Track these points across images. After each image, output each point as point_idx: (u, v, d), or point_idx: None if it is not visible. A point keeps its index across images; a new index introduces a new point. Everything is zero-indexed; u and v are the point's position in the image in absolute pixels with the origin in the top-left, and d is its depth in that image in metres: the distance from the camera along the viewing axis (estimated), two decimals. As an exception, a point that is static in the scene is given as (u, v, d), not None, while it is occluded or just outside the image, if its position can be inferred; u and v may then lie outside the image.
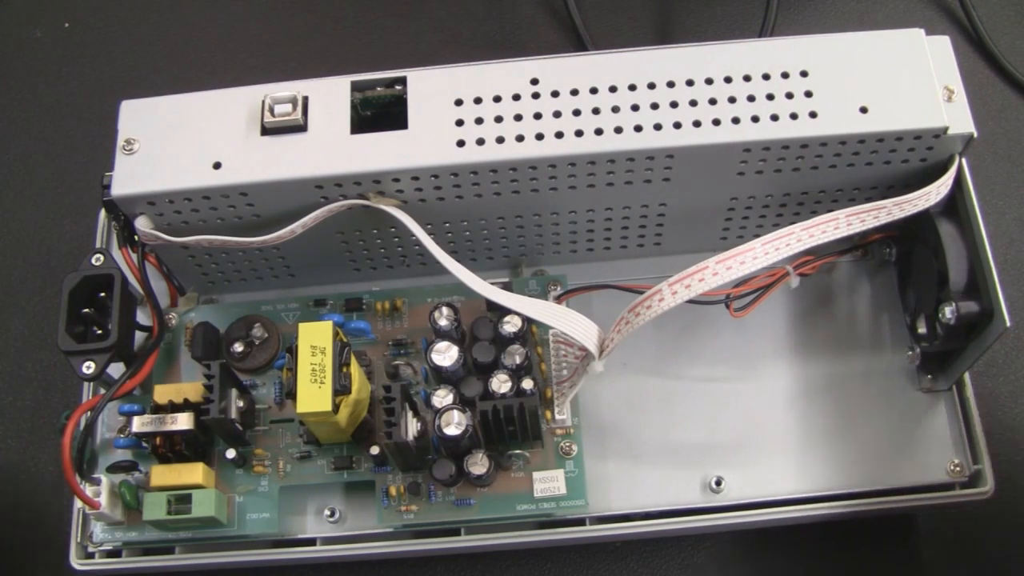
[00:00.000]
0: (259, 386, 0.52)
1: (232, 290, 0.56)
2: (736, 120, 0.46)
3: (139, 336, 0.51)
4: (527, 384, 0.48)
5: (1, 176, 0.68)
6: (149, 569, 0.51)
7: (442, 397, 0.48)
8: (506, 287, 0.50)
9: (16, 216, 0.67)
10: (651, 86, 0.47)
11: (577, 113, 0.47)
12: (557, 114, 0.47)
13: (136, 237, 0.49)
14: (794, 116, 0.46)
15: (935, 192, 0.48)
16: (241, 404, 0.50)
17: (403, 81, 0.48)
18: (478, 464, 0.48)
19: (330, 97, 0.48)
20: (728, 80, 0.47)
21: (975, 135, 0.47)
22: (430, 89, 0.48)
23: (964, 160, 0.48)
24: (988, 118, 0.66)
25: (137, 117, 0.48)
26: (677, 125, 0.46)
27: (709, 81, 0.47)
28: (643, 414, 0.53)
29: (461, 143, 0.47)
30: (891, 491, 0.51)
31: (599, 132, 0.46)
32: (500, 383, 0.48)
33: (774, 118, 0.46)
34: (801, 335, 0.55)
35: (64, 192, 0.67)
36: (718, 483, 0.51)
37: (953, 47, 0.49)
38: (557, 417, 0.50)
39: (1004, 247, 0.63)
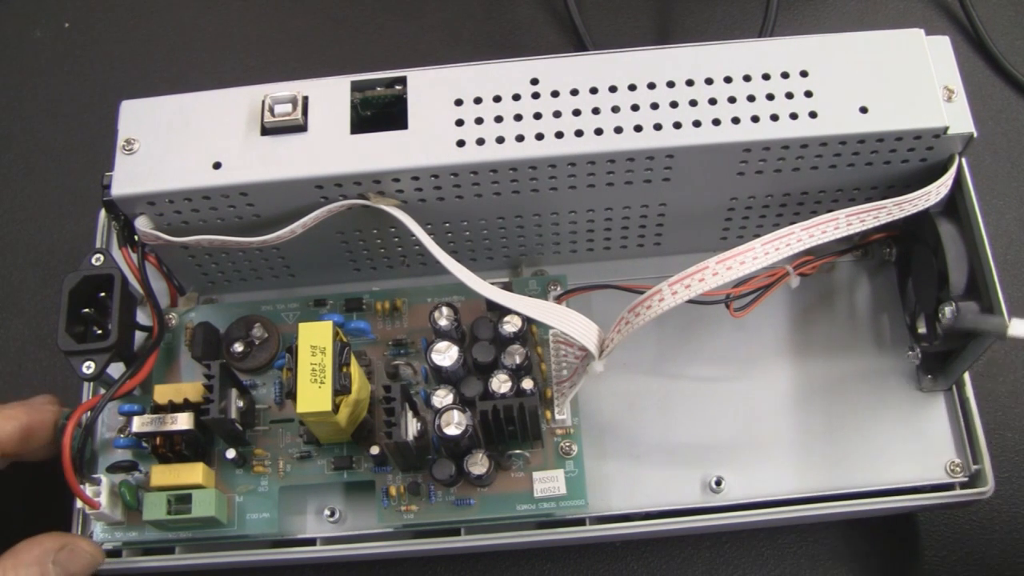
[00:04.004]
0: (259, 386, 0.52)
1: (232, 290, 0.56)
2: (736, 120, 0.46)
3: (139, 336, 0.51)
4: (527, 384, 0.48)
5: (1, 176, 0.68)
6: (149, 569, 0.51)
7: (442, 397, 0.48)
8: (506, 287, 0.50)
9: (16, 216, 0.67)
10: (651, 86, 0.47)
11: (577, 113, 0.47)
12: (557, 114, 0.47)
13: (136, 237, 0.49)
14: (794, 116, 0.46)
15: (935, 192, 0.48)
16: (241, 404, 0.50)
17: (403, 81, 0.48)
18: (478, 464, 0.48)
19: (330, 97, 0.48)
20: (728, 80, 0.47)
21: (975, 135, 0.47)
22: (430, 89, 0.48)
23: (964, 160, 0.48)
24: (988, 118, 0.66)
25: (137, 117, 0.48)
26: (677, 125, 0.46)
27: (709, 81, 0.47)
28: (643, 414, 0.53)
29: (461, 143, 0.47)
30: (891, 491, 0.51)
31: (599, 132, 0.46)
32: (500, 383, 0.48)
33: (774, 118, 0.46)
34: (801, 335, 0.55)
35: (64, 192, 0.67)
36: (718, 483, 0.51)
37: (953, 47, 0.49)
38: (557, 417, 0.50)
39: (1004, 247, 0.63)
